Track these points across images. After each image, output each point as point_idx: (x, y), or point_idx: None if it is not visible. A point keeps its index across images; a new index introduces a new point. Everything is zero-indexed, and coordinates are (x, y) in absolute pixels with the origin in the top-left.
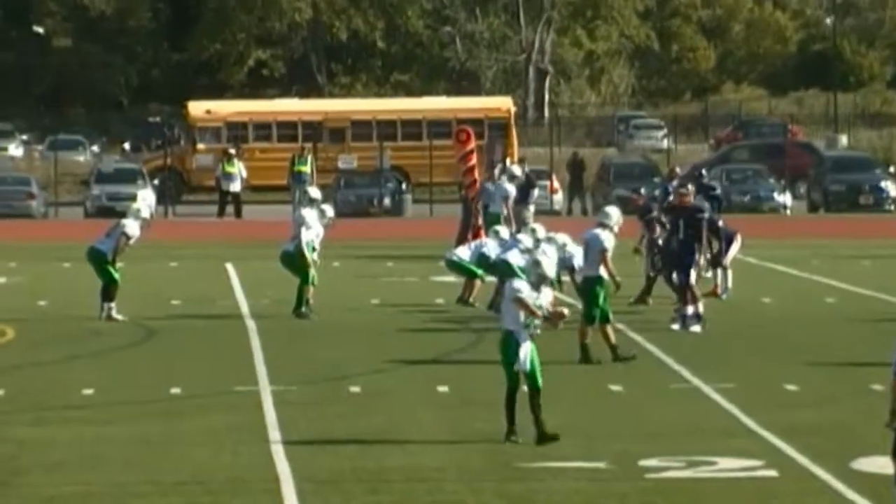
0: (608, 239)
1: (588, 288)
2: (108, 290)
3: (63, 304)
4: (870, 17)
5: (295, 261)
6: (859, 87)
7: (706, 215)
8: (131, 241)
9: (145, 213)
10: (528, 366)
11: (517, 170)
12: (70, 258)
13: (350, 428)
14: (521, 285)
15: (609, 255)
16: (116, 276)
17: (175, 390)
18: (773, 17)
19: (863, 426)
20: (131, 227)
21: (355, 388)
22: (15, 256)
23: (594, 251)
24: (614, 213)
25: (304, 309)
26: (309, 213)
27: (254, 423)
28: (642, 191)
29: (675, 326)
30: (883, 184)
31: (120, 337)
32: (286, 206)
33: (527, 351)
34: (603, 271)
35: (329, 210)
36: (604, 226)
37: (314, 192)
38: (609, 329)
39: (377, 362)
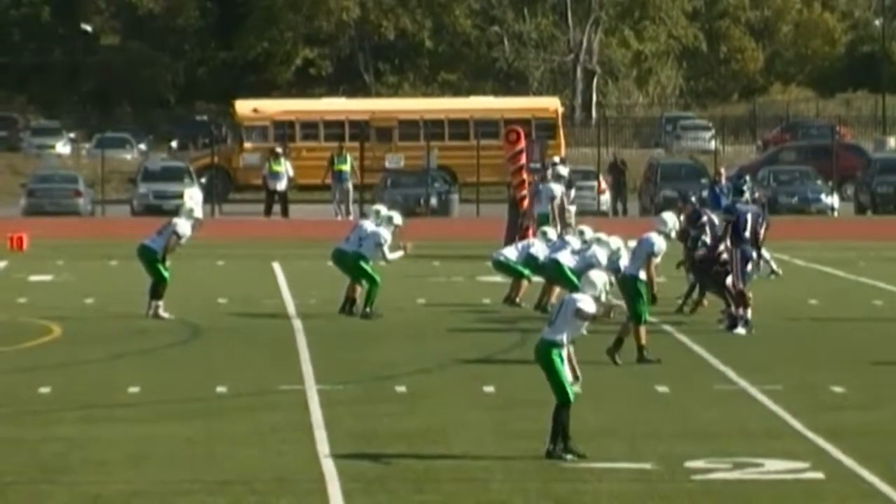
0: (660, 243)
1: (632, 286)
2: (157, 288)
3: (110, 302)
4: None
5: (348, 261)
6: None
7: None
8: (182, 241)
9: (198, 213)
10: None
11: (564, 170)
12: (117, 256)
13: (396, 427)
14: (586, 301)
15: (656, 260)
16: (166, 274)
17: (221, 389)
18: (821, 18)
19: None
20: (183, 226)
21: (401, 388)
22: (62, 254)
23: (642, 252)
24: (670, 219)
25: (368, 309)
26: (384, 231)
27: (299, 422)
28: (692, 197)
29: (722, 327)
30: None
31: (166, 335)
32: (332, 205)
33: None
34: (643, 274)
35: (397, 217)
36: (659, 231)
37: (383, 209)
38: (642, 329)
39: (423, 362)
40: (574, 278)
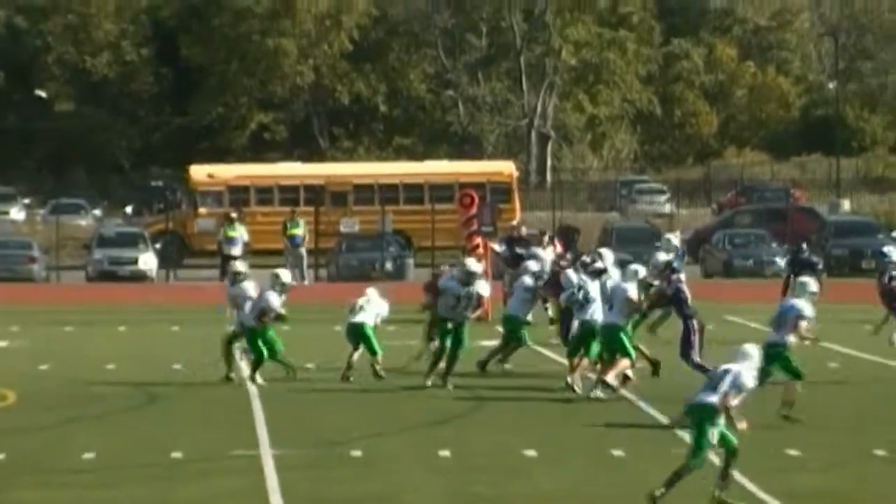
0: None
1: (613, 335)
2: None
3: (65, 368)
4: (872, 83)
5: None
6: (862, 152)
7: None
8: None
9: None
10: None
11: (675, 239)
12: (72, 322)
13: (351, 492)
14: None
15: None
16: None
17: (176, 454)
18: (775, 81)
19: (865, 492)
20: (274, 299)
21: (356, 453)
22: (17, 320)
23: (620, 301)
24: (641, 270)
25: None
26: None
27: (255, 487)
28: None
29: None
30: (885, 248)
31: (122, 400)
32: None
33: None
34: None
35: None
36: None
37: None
38: (586, 363)
39: (379, 426)
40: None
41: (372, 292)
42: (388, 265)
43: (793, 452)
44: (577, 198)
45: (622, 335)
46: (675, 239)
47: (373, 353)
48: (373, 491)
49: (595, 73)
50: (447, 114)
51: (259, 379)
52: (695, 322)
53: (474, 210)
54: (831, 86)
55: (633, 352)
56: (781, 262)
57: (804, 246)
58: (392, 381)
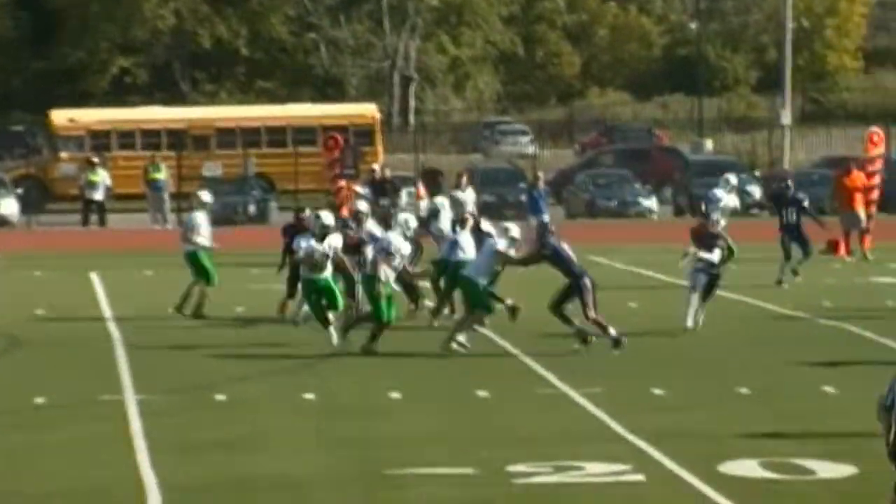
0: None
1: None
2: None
3: None
4: (734, 22)
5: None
6: (724, 92)
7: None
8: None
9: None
10: None
11: (733, 178)
12: None
13: (216, 436)
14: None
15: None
16: None
17: (39, 400)
18: (637, 21)
19: (729, 430)
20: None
21: (221, 397)
22: None
23: (487, 254)
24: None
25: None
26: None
27: (119, 432)
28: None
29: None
30: (748, 188)
31: None
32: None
33: None
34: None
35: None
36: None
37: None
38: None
39: (243, 370)
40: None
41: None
42: (252, 209)
43: (657, 392)
44: (440, 140)
45: (476, 287)
46: (733, 178)
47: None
48: (238, 434)
49: (457, 14)
50: (309, 56)
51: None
52: (587, 280)
53: (338, 153)
54: (693, 25)
55: (488, 301)
56: (645, 202)
57: (789, 183)
58: (256, 325)
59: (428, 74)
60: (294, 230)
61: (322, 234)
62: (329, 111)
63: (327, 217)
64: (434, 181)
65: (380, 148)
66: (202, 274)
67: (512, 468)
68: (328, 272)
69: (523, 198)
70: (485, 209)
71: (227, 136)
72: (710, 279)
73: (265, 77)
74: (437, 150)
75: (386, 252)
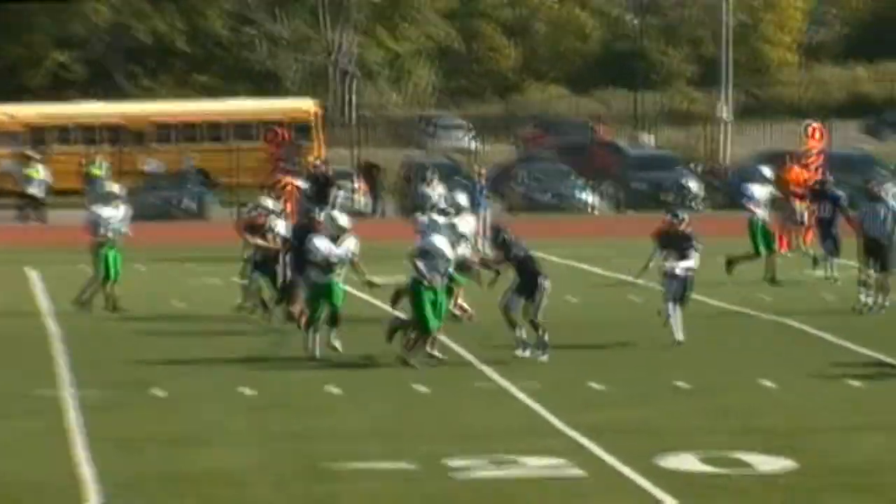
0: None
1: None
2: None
3: None
4: (673, 16)
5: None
6: (663, 86)
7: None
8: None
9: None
10: None
11: (767, 171)
12: None
13: (154, 431)
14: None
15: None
16: None
17: None
18: (575, 16)
19: (667, 424)
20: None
21: (159, 392)
22: None
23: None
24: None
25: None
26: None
27: (56, 427)
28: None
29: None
30: (686, 182)
31: None
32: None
33: None
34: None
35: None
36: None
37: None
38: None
39: (181, 365)
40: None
41: None
42: (190, 203)
43: (596, 386)
44: (378, 134)
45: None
46: (767, 171)
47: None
48: (176, 429)
49: (395, 9)
50: (247, 51)
51: None
52: (546, 282)
53: (279, 147)
54: (631, 19)
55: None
56: (583, 196)
57: (829, 178)
58: (191, 320)
59: (366, 69)
60: (304, 231)
61: (338, 235)
62: (267, 106)
63: (343, 218)
64: (372, 176)
65: (319, 142)
66: (103, 268)
67: (450, 462)
68: (342, 275)
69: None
70: (424, 202)
71: (165, 131)
72: (684, 283)
73: (203, 72)
74: (376, 145)
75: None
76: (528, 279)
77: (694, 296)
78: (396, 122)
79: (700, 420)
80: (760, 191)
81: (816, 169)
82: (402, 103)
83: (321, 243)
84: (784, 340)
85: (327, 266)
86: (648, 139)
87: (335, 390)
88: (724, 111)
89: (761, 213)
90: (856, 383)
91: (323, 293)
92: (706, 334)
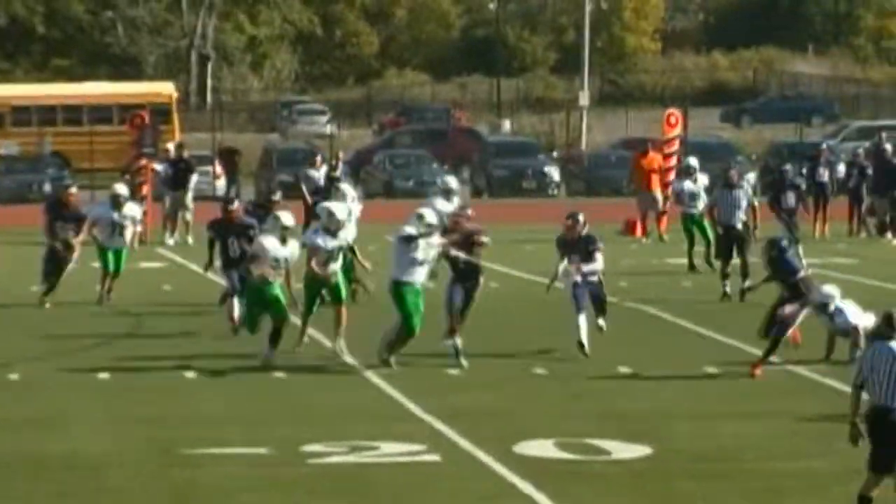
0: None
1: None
2: None
3: None
4: (532, 3)
5: None
6: (522, 73)
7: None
8: None
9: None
10: None
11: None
12: None
13: (8, 416)
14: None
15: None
16: None
17: None
18: (436, 2)
19: (525, 410)
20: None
21: (14, 376)
22: None
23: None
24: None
25: None
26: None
27: None
28: None
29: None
30: (546, 168)
31: None
32: None
33: None
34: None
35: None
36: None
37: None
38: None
39: (37, 349)
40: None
41: None
42: (47, 187)
43: (453, 372)
44: (237, 119)
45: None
46: (693, 161)
47: None
48: (31, 414)
49: None
50: (106, 35)
51: None
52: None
53: (141, 132)
54: (491, 6)
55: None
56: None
57: (788, 167)
58: (53, 305)
59: (225, 53)
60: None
61: (336, 228)
62: (126, 90)
63: (341, 210)
64: (231, 160)
65: (177, 126)
66: None
67: (307, 448)
68: (338, 266)
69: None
70: (282, 189)
71: (23, 114)
72: (595, 290)
73: (62, 55)
74: (235, 130)
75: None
76: (472, 274)
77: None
78: (256, 106)
79: (558, 406)
80: (691, 186)
81: (671, 156)
82: (262, 88)
83: (316, 237)
84: (642, 328)
85: (326, 259)
86: (508, 125)
87: (191, 374)
88: (584, 98)
89: (699, 206)
90: (712, 370)
91: (318, 289)
92: (564, 321)
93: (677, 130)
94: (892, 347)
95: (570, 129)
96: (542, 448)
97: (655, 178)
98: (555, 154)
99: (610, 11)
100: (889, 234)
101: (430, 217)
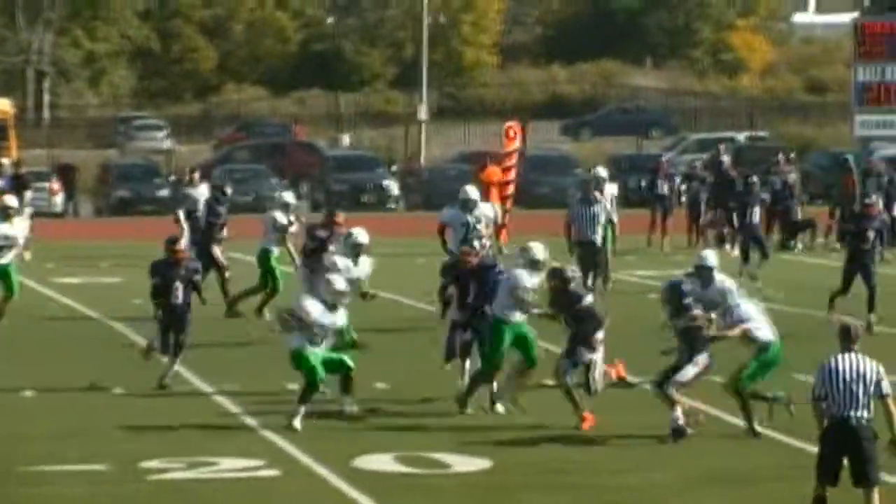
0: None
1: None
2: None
3: None
4: (371, 17)
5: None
6: (362, 87)
7: None
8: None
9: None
10: None
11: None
12: None
13: None
14: None
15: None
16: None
17: None
18: (274, 16)
19: (364, 424)
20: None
21: None
22: None
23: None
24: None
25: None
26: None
27: None
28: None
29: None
30: (385, 182)
31: None
32: None
33: None
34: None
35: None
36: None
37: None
38: None
39: None
40: None
41: None
42: None
43: (293, 387)
44: (75, 135)
45: None
46: (602, 171)
47: None
48: None
49: (92, 9)
50: None
51: None
52: None
53: None
54: (330, 20)
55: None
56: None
57: (755, 179)
58: None
59: (62, 69)
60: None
61: (355, 253)
62: None
63: (362, 235)
64: (68, 176)
65: (13, 143)
66: None
67: (146, 464)
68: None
69: (162, 193)
70: (120, 205)
71: None
72: None
73: None
74: (72, 146)
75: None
76: None
77: (390, 296)
78: (93, 122)
79: (398, 420)
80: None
81: (510, 169)
82: (100, 104)
83: (342, 263)
84: None
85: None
86: (347, 140)
87: (29, 393)
88: (422, 112)
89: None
90: (551, 382)
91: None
92: (397, 337)
93: (516, 144)
94: (851, 359)
95: (410, 142)
96: (381, 462)
97: (494, 192)
98: (394, 168)
99: (448, 25)
100: (728, 246)
101: (363, 237)
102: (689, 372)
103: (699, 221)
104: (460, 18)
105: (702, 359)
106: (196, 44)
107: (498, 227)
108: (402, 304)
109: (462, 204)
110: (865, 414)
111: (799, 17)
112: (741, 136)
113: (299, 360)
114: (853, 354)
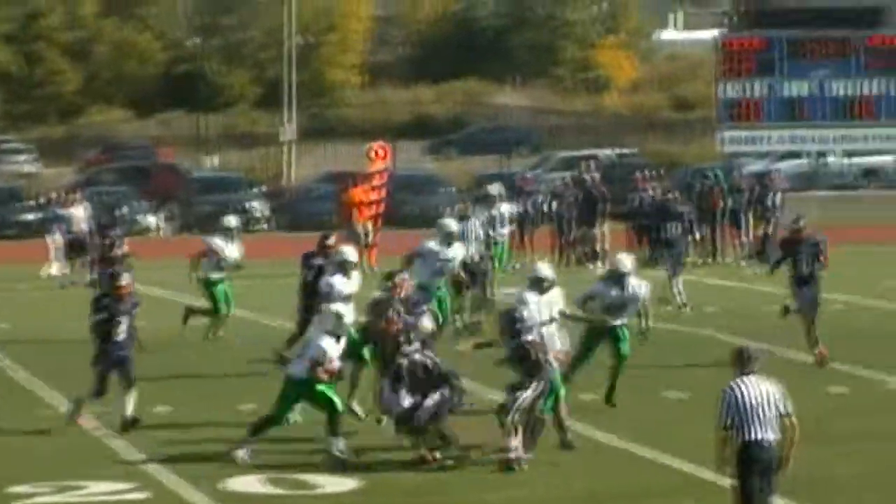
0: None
1: None
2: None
3: None
4: (234, 38)
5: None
6: (225, 108)
7: None
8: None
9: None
10: None
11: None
12: None
13: None
14: None
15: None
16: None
17: None
18: (137, 38)
19: (232, 447)
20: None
21: None
22: None
23: None
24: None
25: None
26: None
27: None
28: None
29: None
30: (250, 203)
31: None
32: None
33: None
34: None
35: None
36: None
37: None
38: None
39: None
40: None
41: None
42: None
43: (161, 409)
44: None
45: None
46: (494, 189)
47: None
48: None
49: None
50: None
51: None
52: None
53: None
54: (191, 42)
55: None
56: (148, 218)
57: (676, 195)
58: None
59: None
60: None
61: (349, 269)
62: None
63: (351, 252)
64: None
65: None
66: None
67: (13, 489)
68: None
69: (26, 217)
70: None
71: None
72: None
73: None
74: None
75: None
76: None
77: (249, 314)
78: None
79: (267, 442)
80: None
81: (379, 188)
82: None
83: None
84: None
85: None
86: (212, 161)
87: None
88: (287, 132)
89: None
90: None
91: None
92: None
93: (383, 163)
94: (752, 381)
95: (275, 163)
96: (249, 484)
97: (360, 211)
98: (259, 189)
99: (312, 46)
100: (593, 264)
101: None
102: (528, 397)
103: (563, 239)
104: (324, 39)
105: (539, 384)
106: (60, 66)
107: (368, 247)
108: (266, 326)
109: (444, 237)
110: (772, 437)
111: (664, 35)
112: (606, 153)
113: (312, 393)
114: (752, 377)
